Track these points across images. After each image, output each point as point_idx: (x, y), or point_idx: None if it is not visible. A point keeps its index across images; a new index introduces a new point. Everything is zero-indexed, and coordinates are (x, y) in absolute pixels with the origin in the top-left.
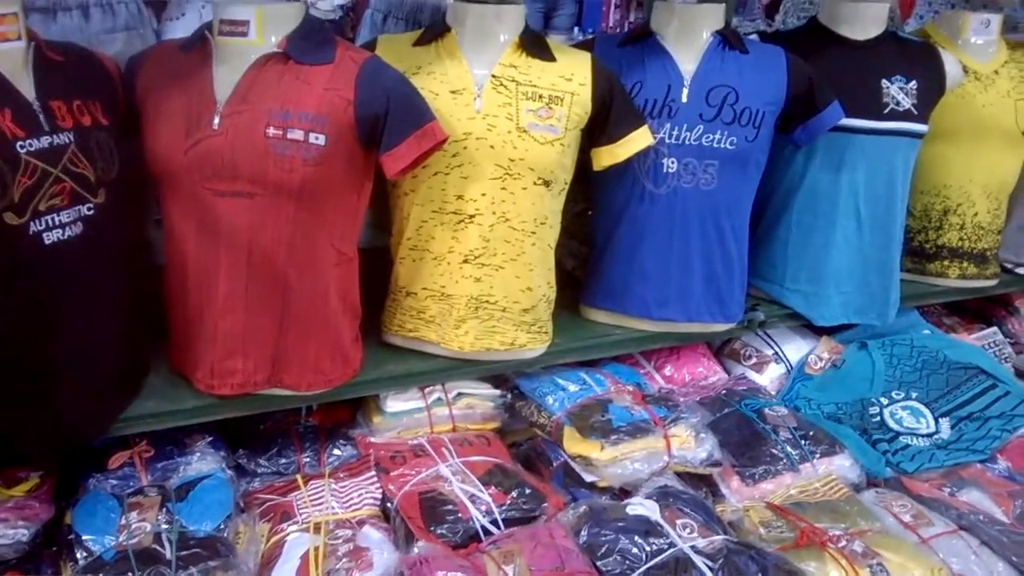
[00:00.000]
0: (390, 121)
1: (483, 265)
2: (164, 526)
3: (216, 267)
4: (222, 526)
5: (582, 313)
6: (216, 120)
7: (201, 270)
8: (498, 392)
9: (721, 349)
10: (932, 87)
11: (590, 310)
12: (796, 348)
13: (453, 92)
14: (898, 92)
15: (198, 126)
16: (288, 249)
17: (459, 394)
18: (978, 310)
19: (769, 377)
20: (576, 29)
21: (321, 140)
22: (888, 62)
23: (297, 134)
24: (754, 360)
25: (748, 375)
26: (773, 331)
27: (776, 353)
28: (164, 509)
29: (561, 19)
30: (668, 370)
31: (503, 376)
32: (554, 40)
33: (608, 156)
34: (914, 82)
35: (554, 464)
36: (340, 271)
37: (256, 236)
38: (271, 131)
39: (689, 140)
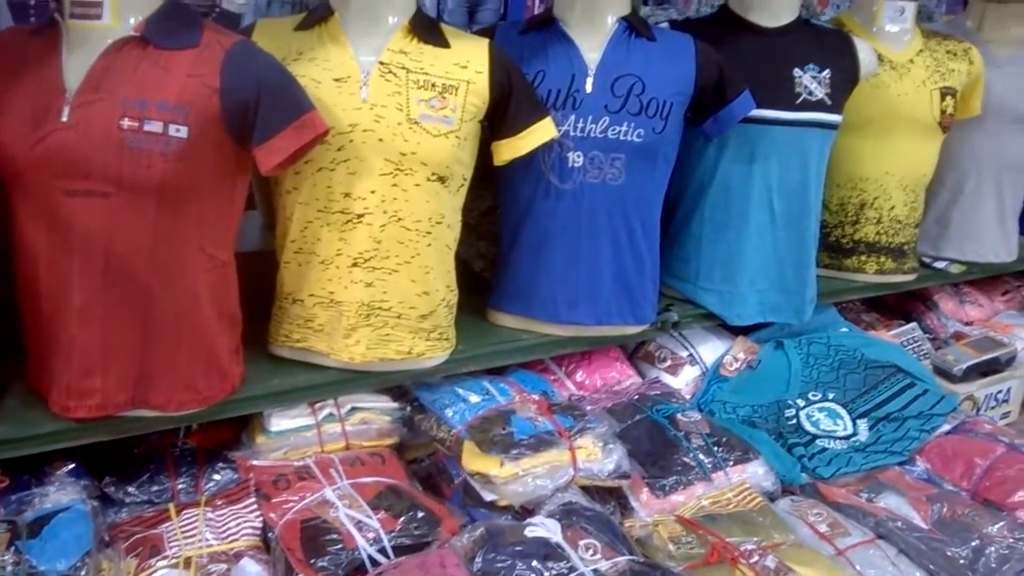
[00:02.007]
0: (263, 111)
1: (374, 268)
2: (11, 567)
3: (69, 275)
4: (79, 564)
5: (489, 317)
6: (66, 111)
7: (54, 279)
8: (396, 405)
9: (636, 352)
10: (846, 76)
11: (497, 314)
12: (712, 349)
13: (337, 80)
14: (811, 81)
15: (46, 118)
16: (150, 254)
17: (352, 408)
18: (897, 306)
19: (684, 380)
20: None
21: (183, 132)
22: (800, 50)
23: (155, 126)
24: (669, 362)
25: (662, 378)
26: (688, 332)
27: (691, 355)
28: (12, 548)
29: (486, 14)
30: (580, 375)
31: (404, 388)
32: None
33: (509, 149)
34: (827, 71)
35: (455, 482)
36: (212, 277)
37: (113, 240)
38: (126, 123)
39: (595, 132)
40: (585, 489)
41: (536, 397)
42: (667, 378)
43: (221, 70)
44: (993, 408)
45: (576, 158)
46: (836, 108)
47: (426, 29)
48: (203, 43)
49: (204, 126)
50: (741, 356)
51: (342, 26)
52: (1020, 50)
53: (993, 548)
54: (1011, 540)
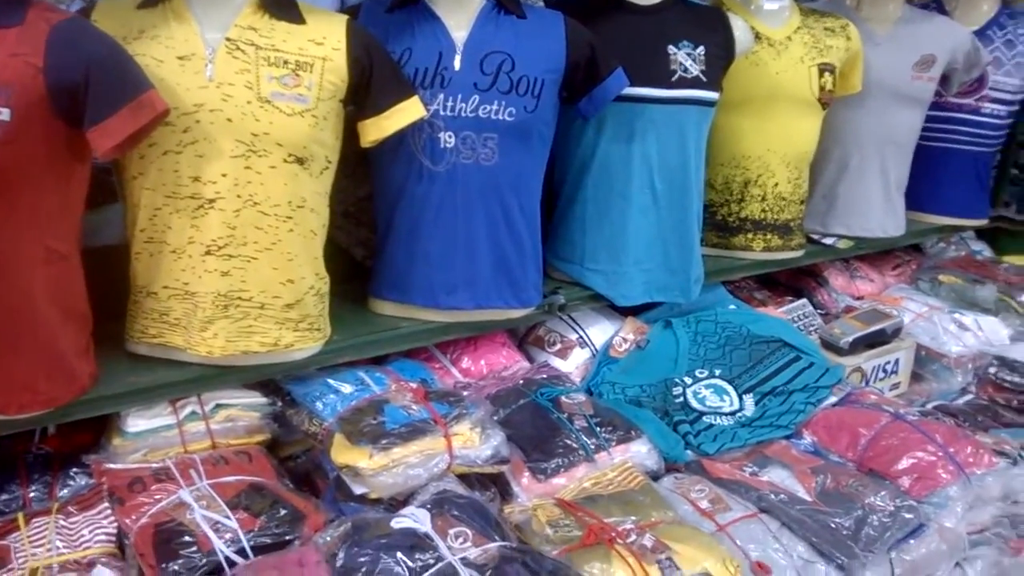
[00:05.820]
0: (94, 91)
1: (230, 256)
2: None
3: None
4: None
5: (370, 306)
6: None
7: None
8: (265, 400)
9: (526, 337)
10: (721, 52)
11: (376, 302)
12: (602, 331)
13: (180, 58)
14: (685, 58)
15: None
16: None
17: (217, 405)
18: (789, 283)
19: (575, 363)
20: None
21: (5, 115)
22: (674, 28)
23: None
24: (559, 346)
25: (552, 362)
26: (578, 314)
27: (581, 337)
28: None
29: None
30: (465, 362)
31: (277, 382)
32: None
33: (374, 129)
34: (702, 48)
35: (330, 477)
36: (52, 271)
37: None
38: None
39: (465, 112)
40: (465, 477)
41: (413, 385)
42: (557, 362)
43: (45, 48)
44: (882, 380)
45: (448, 139)
46: (712, 85)
47: (278, 5)
48: (28, 20)
49: (29, 108)
50: (630, 337)
51: (187, 3)
52: (898, 28)
53: (876, 517)
54: (892, 508)
